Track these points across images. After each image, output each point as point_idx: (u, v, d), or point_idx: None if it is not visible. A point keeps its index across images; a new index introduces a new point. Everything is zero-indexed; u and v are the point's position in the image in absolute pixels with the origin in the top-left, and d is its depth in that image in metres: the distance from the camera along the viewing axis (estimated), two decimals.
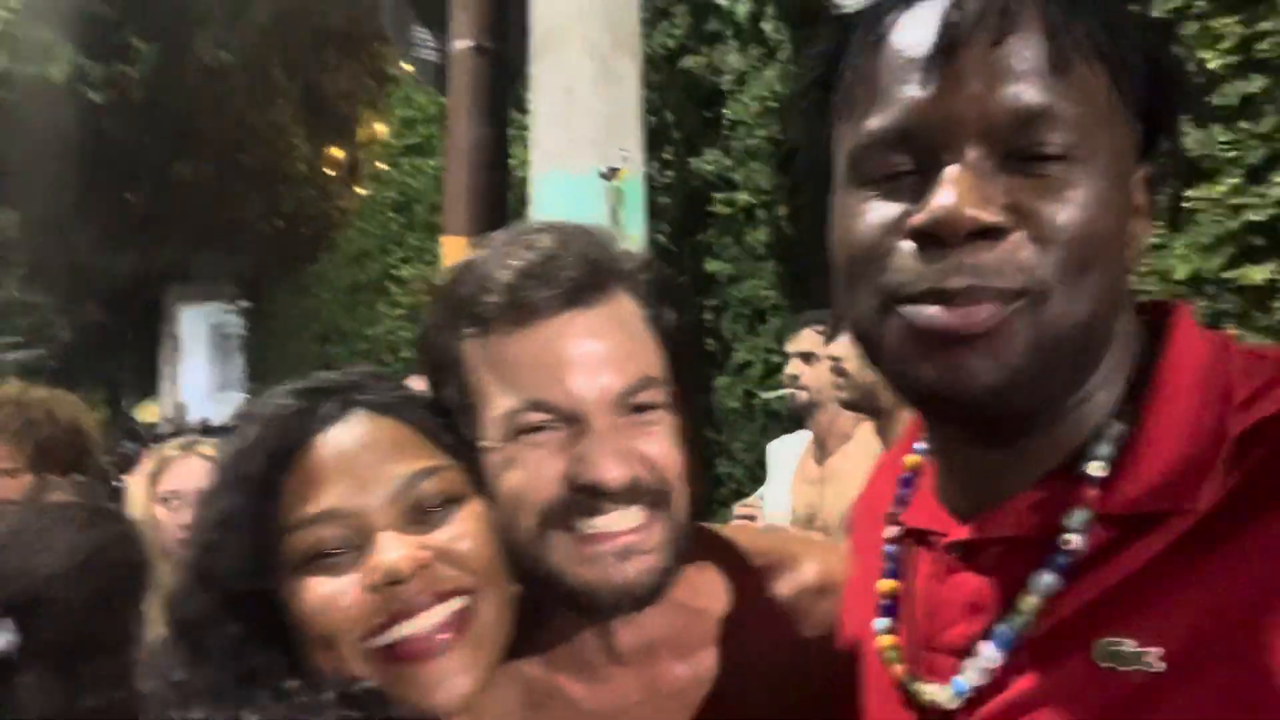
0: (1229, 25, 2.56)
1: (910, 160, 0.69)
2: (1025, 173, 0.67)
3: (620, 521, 0.89)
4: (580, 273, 0.91)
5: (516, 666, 0.98)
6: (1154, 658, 0.64)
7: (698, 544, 1.01)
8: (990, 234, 0.66)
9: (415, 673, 0.85)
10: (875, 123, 0.70)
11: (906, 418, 1.99)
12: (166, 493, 2.50)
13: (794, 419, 3.58)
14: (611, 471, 0.88)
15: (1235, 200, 2.59)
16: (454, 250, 4.20)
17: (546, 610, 0.96)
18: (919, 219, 0.67)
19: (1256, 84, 2.53)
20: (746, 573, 1.04)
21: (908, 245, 0.68)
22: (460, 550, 0.87)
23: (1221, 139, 2.58)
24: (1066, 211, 0.66)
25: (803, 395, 3.24)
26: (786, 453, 3.49)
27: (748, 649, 1.00)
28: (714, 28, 4.98)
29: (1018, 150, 0.66)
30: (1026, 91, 0.65)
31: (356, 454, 0.88)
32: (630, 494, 0.89)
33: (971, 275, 0.66)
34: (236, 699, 0.83)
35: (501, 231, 1.00)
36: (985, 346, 0.66)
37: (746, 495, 3.91)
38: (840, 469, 3.21)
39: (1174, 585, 0.65)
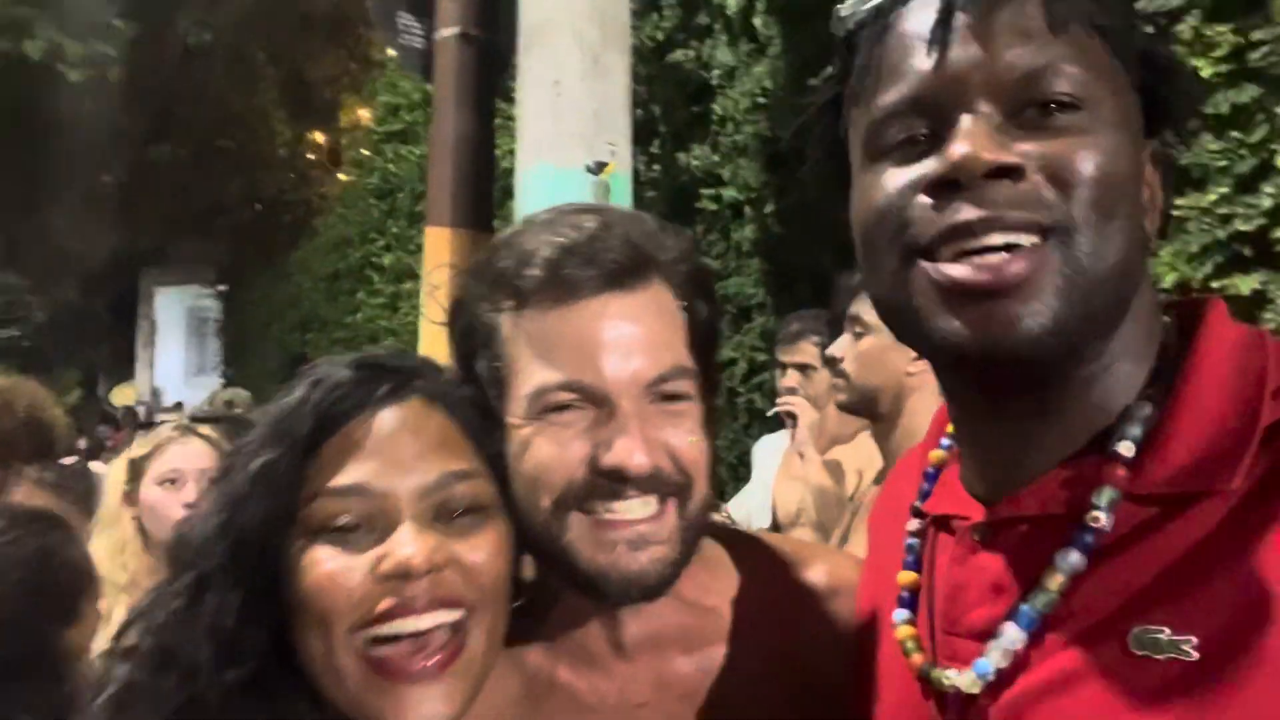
0: (1222, 34, 2.56)
1: (924, 125, 0.71)
2: (1038, 125, 0.68)
3: (637, 509, 0.89)
4: (622, 256, 0.91)
5: (519, 654, 0.98)
6: (1190, 646, 0.63)
7: (711, 542, 1.02)
8: (1008, 175, 0.67)
9: (398, 691, 0.83)
10: (887, 98, 0.73)
11: (905, 423, 2.02)
12: (170, 473, 2.44)
13: (779, 419, 3.56)
14: (636, 458, 0.87)
15: (1224, 210, 2.59)
16: (437, 242, 4.15)
17: (554, 595, 0.96)
18: (935, 168, 0.69)
19: (1248, 93, 2.52)
20: (758, 572, 1.04)
21: (925, 199, 0.70)
22: (474, 563, 0.86)
23: (1211, 148, 2.57)
24: (1083, 154, 0.67)
25: (800, 407, 3.21)
26: (772, 451, 3.48)
27: (757, 648, 0.99)
28: (704, 21, 4.94)
29: (1027, 104, 0.69)
30: (1029, 49, 0.68)
31: (401, 437, 0.87)
32: (651, 482, 0.89)
33: (989, 207, 0.67)
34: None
35: (546, 210, 1.00)
36: (1018, 294, 0.67)
37: (729, 494, 3.90)
38: (830, 464, 3.21)
39: (1207, 573, 0.65)
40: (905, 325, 0.75)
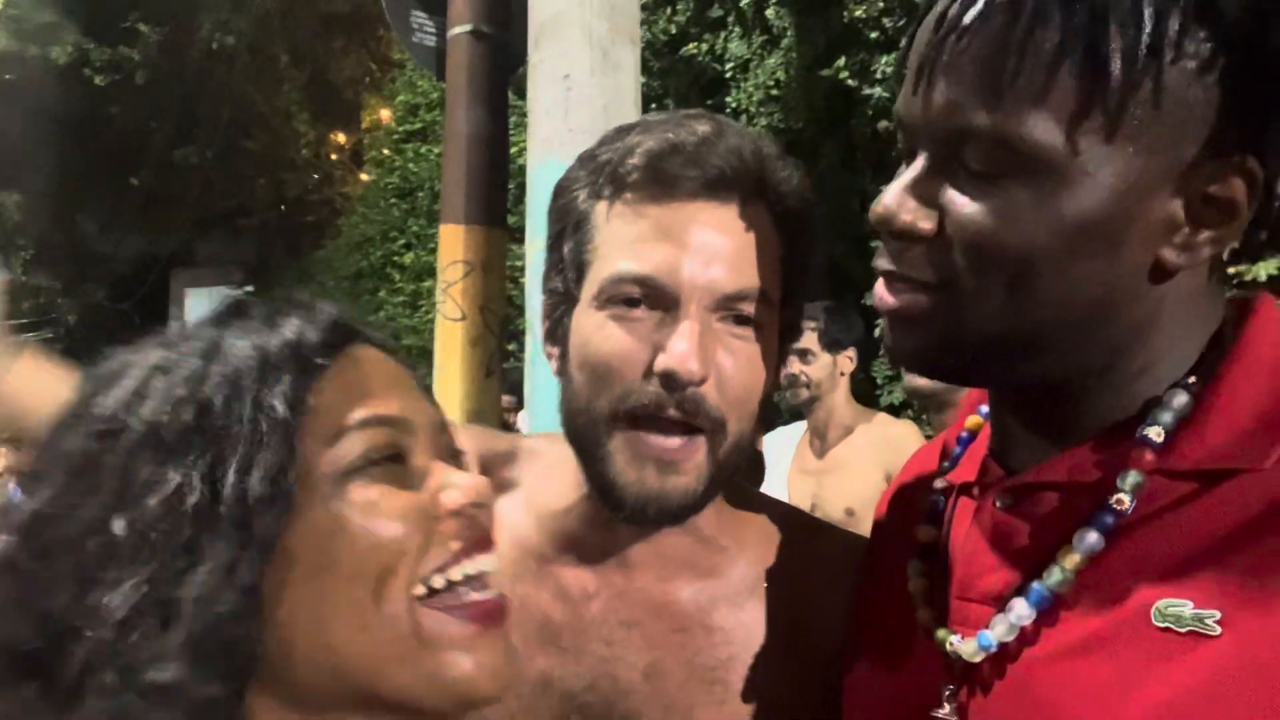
0: None
1: (907, 145, 0.74)
2: (975, 176, 0.68)
3: (673, 441, 0.90)
4: (727, 165, 0.90)
5: (525, 529, 1.00)
6: (1214, 620, 0.63)
7: (737, 496, 1.02)
8: (912, 236, 0.71)
9: (482, 643, 0.71)
10: (896, 104, 0.76)
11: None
12: None
13: (794, 411, 3.56)
14: (690, 364, 0.86)
15: None
16: (451, 239, 4.16)
17: (585, 485, 0.96)
18: (871, 210, 0.75)
19: None
20: (777, 528, 1.04)
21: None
22: (489, 504, 0.76)
23: None
24: (990, 222, 0.67)
25: (803, 393, 3.24)
26: (783, 444, 3.47)
27: (762, 596, 0.99)
28: (716, 15, 4.93)
29: (956, 159, 0.69)
30: (974, 110, 0.66)
31: (397, 372, 0.77)
32: (690, 404, 0.88)
33: (893, 263, 0.73)
34: None
35: (662, 112, 1.00)
36: (900, 324, 0.75)
37: None
38: (842, 459, 3.21)
39: (1234, 550, 0.64)
40: None
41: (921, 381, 2.14)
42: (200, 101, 14.21)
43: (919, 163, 0.71)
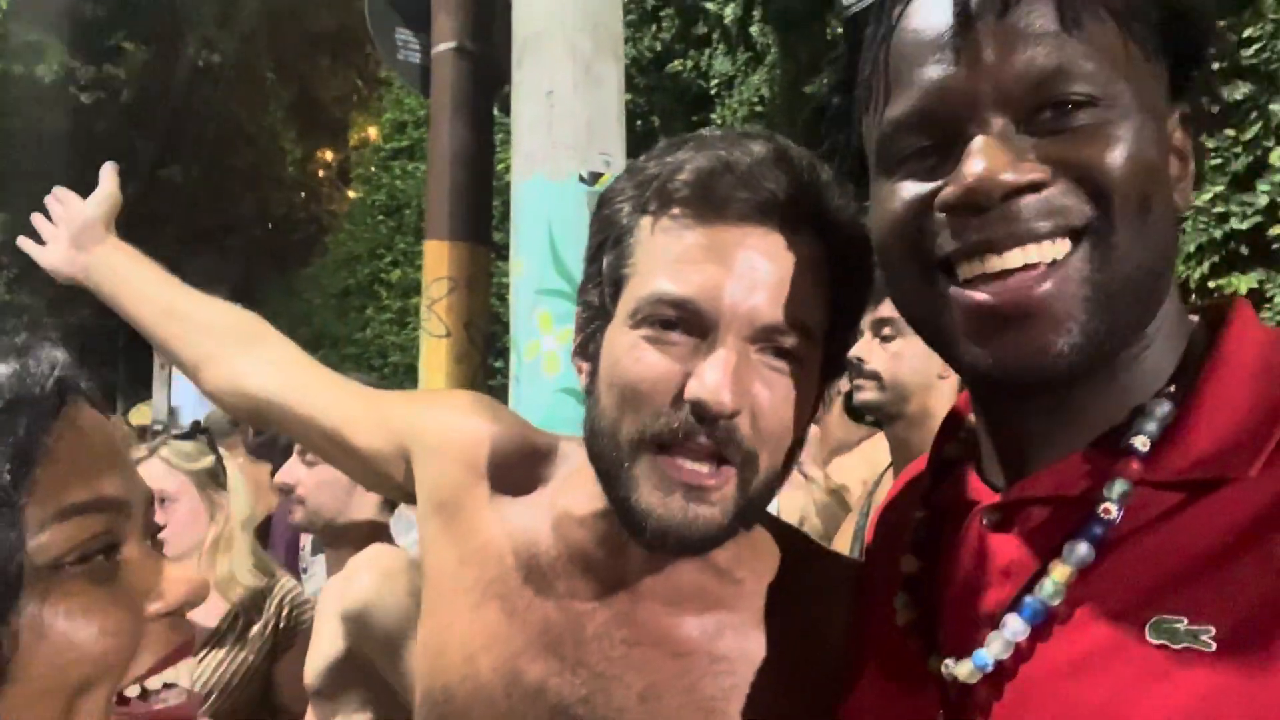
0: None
1: (936, 138, 0.70)
2: (1054, 129, 0.67)
3: (702, 465, 0.85)
4: (781, 191, 0.85)
5: (542, 526, 0.98)
6: (1208, 636, 0.62)
7: (764, 527, 0.99)
8: (1027, 191, 0.66)
9: None
10: (896, 109, 0.71)
11: (930, 424, 2.03)
12: None
13: None
14: (723, 395, 0.82)
15: (1220, 208, 2.56)
16: (435, 255, 4.16)
17: (599, 500, 0.93)
18: (950, 191, 0.68)
19: (1241, 90, 2.50)
20: (795, 561, 1.01)
21: (941, 216, 0.69)
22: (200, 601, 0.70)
23: (1205, 145, 2.54)
24: (1106, 152, 0.66)
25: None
26: None
27: (772, 631, 0.96)
28: (701, 31, 4.95)
29: (1041, 109, 0.67)
30: (1039, 54, 0.66)
31: (115, 439, 0.68)
32: (723, 434, 0.84)
33: (1011, 223, 0.66)
34: None
35: (721, 128, 0.96)
36: (1045, 317, 0.66)
37: None
38: (841, 472, 3.19)
39: (1225, 563, 0.64)
40: (933, 341, 0.75)
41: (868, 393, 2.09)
42: (186, 119, 14.19)
43: (981, 137, 0.67)
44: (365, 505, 2.11)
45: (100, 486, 0.64)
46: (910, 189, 0.71)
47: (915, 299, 0.73)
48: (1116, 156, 0.65)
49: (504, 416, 1.10)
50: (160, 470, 2.36)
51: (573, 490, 0.99)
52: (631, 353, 0.87)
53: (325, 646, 1.91)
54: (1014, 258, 0.66)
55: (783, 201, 0.86)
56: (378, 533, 2.11)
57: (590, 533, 0.97)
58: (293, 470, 2.12)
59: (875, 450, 3.22)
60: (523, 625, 0.97)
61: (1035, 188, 0.66)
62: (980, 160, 0.66)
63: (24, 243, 1.49)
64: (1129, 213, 0.66)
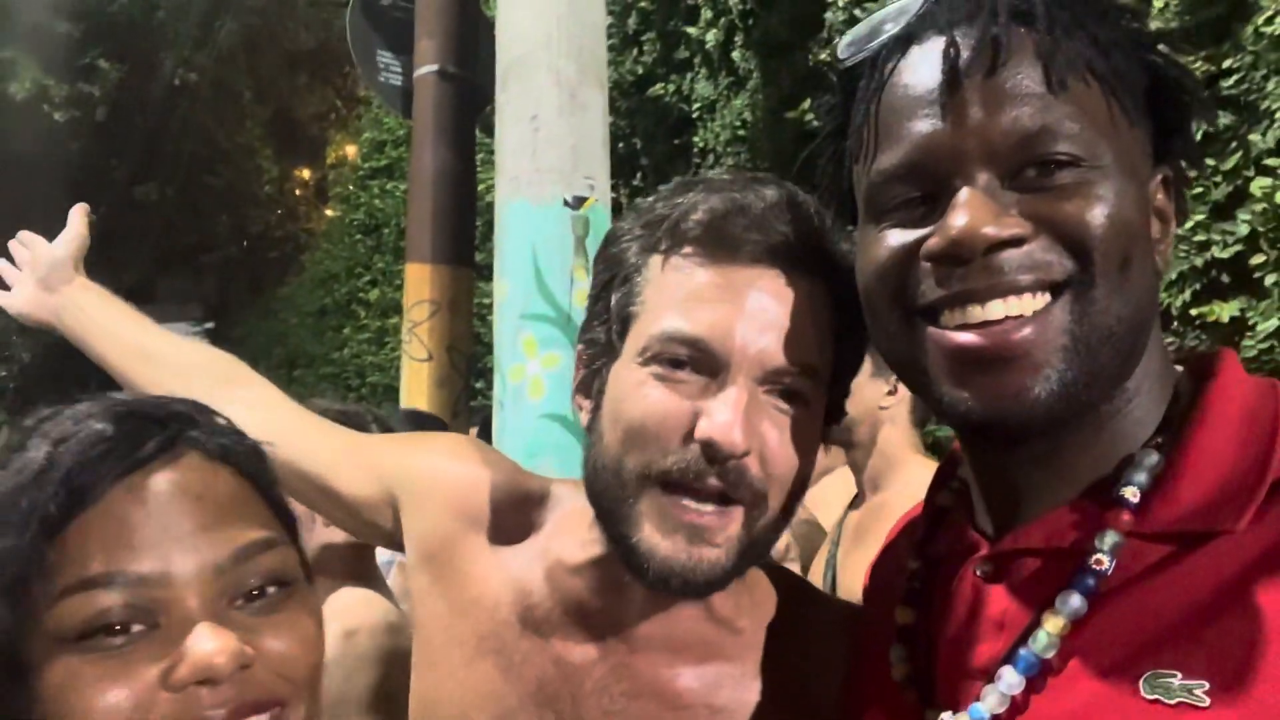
0: (1194, 63, 2.57)
1: (923, 190, 0.72)
2: (1038, 187, 0.68)
3: (709, 510, 0.85)
4: (792, 235, 0.86)
5: (535, 575, 0.97)
6: (1202, 691, 0.63)
7: (765, 573, 0.99)
8: (1009, 245, 0.68)
9: None
10: (885, 161, 0.73)
11: (878, 451, 2.11)
12: None
13: None
14: (734, 433, 0.81)
15: (1201, 236, 2.58)
16: (417, 278, 4.13)
17: (599, 546, 0.93)
18: (934, 242, 0.69)
19: (1221, 120, 2.53)
20: (793, 607, 1.00)
21: (926, 265, 0.71)
22: (287, 653, 0.70)
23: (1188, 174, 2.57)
24: (1088, 209, 0.67)
25: None
26: None
27: (772, 681, 0.95)
28: (683, 56, 4.97)
29: (1025, 166, 0.68)
30: (1024, 113, 0.67)
31: (179, 506, 0.68)
32: (732, 476, 0.83)
33: (993, 275, 0.68)
34: None
35: (729, 172, 0.97)
36: (1025, 361, 0.68)
37: None
38: (815, 501, 3.18)
39: (1216, 617, 0.64)
40: (914, 384, 0.76)
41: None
42: (162, 138, 14.09)
43: (966, 192, 0.69)
44: (334, 530, 1.92)
45: (124, 560, 0.65)
46: (897, 237, 0.73)
47: (898, 343, 0.74)
48: (1097, 214, 0.67)
49: (493, 460, 1.08)
50: None
51: (565, 536, 0.98)
52: (639, 389, 0.86)
53: None
54: (995, 309, 0.68)
55: (793, 245, 0.86)
56: (361, 555, 1.97)
57: (585, 581, 0.95)
58: None
59: (846, 477, 3.23)
60: (518, 681, 0.95)
61: (1017, 242, 0.67)
62: (965, 214, 0.67)
63: None
64: (1109, 269, 0.67)
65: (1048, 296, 0.68)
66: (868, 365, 2.23)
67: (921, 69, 0.71)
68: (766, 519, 0.87)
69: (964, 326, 0.69)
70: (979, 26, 0.70)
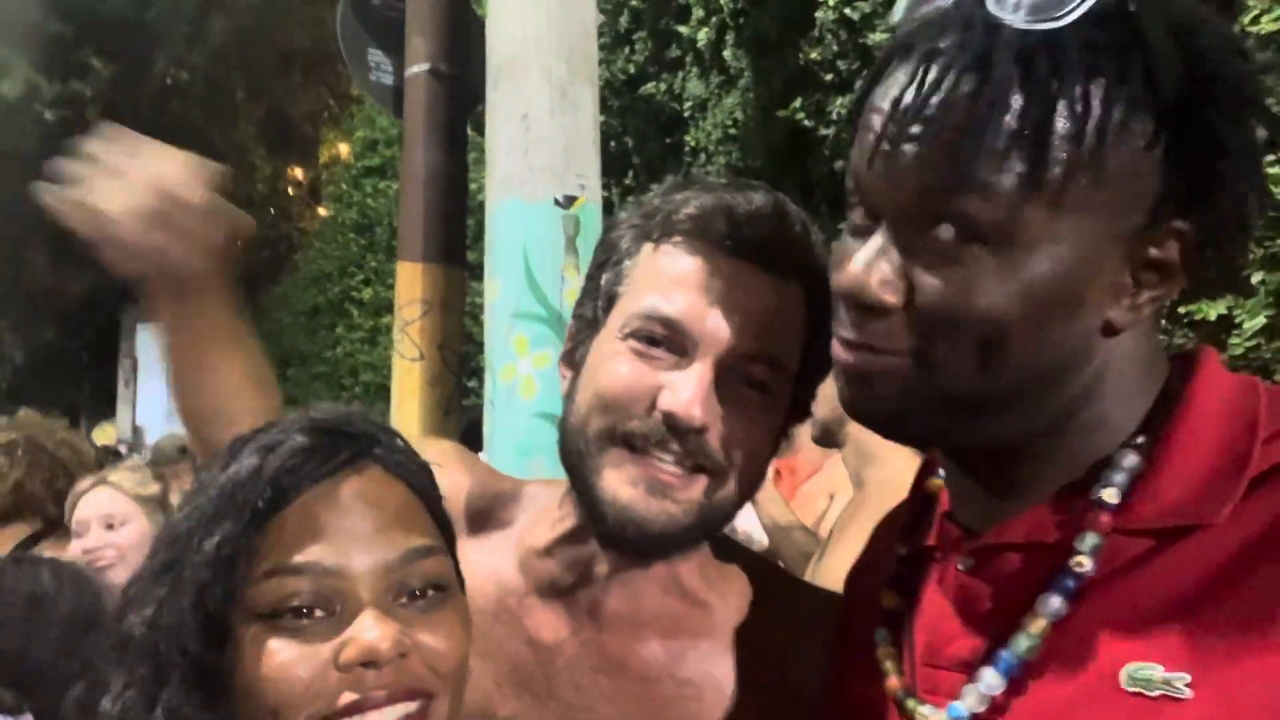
0: None
1: (866, 209, 0.74)
2: (939, 250, 0.68)
3: (669, 467, 0.90)
4: (774, 238, 0.93)
5: (506, 567, 1.01)
6: (1183, 684, 0.63)
7: (721, 549, 1.02)
8: (878, 310, 0.71)
9: None
10: (850, 163, 0.75)
11: (852, 440, 2.19)
12: (77, 525, 2.43)
13: None
14: (693, 409, 0.87)
15: None
16: (409, 277, 4.13)
17: (567, 521, 0.98)
18: (835, 280, 0.75)
19: None
20: (764, 587, 1.03)
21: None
22: (438, 649, 0.80)
23: None
24: (958, 294, 0.68)
25: None
26: None
27: (739, 656, 0.98)
28: (674, 54, 4.97)
29: (935, 223, 0.68)
30: (937, 177, 0.66)
31: (360, 510, 0.80)
32: (691, 446, 0.89)
33: (856, 333, 0.73)
34: None
35: (724, 179, 1.04)
36: (861, 384, 0.74)
37: None
38: (805, 495, 3.21)
39: (1198, 610, 0.65)
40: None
41: (824, 413, 2.27)
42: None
43: (880, 235, 0.71)
44: None
45: (310, 553, 0.77)
46: (846, 243, 0.76)
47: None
48: (965, 304, 0.68)
49: (472, 465, 1.12)
50: (107, 495, 2.46)
51: (536, 526, 1.02)
52: (614, 359, 0.92)
53: None
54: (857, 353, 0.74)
55: (773, 247, 0.93)
56: None
57: (554, 561, 0.99)
58: None
59: (830, 477, 3.25)
60: (494, 666, 0.97)
61: (885, 309, 0.71)
62: (856, 264, 0.71)
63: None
64: (962, 355, 0.69)
65: (897, 360, 0.72)
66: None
67: (889, 87, 0.70)
68: (725, 492, 0.92)
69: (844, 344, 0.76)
70: (958, 65, 0.66)
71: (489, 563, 1.02)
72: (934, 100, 0.66)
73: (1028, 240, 0.66)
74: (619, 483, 0.90)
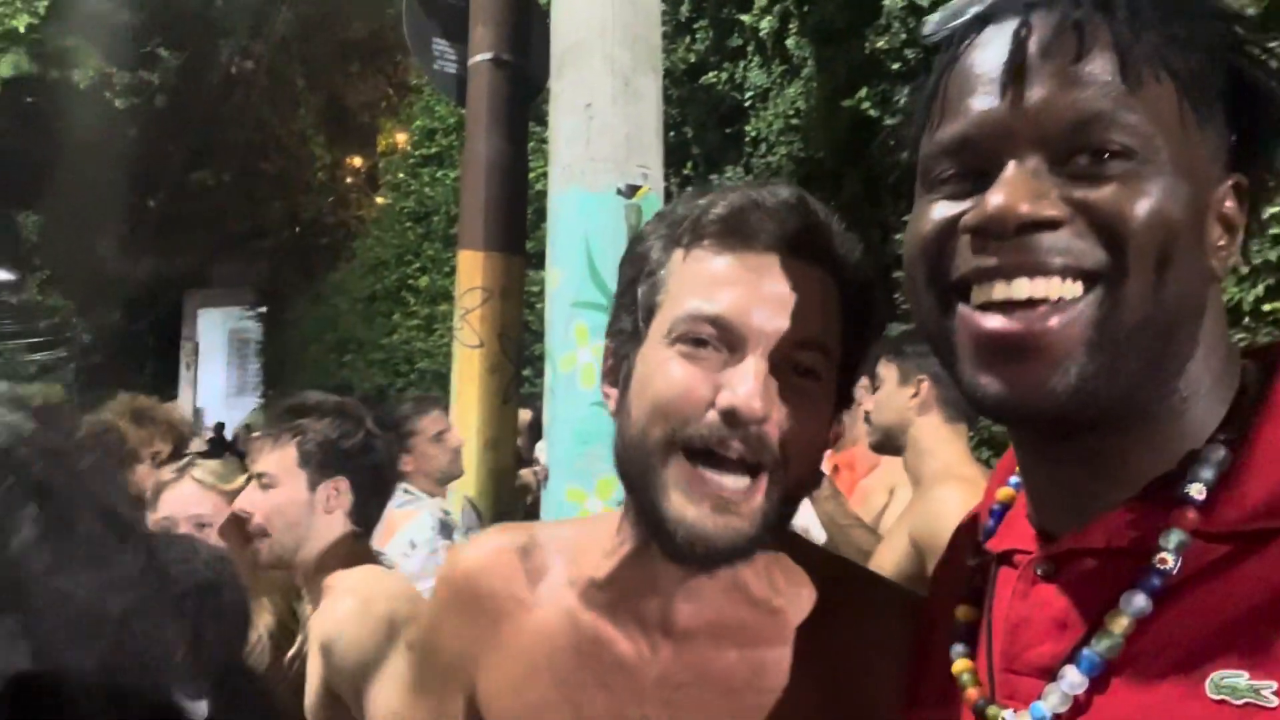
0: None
1: (974, 166, 0.72)
2: (1086, 175, 0.68)
3: (729, 484, 0.90)
4: (802, 228, 0.94)
5: (576, 606, 1.02)
6: (1270, 691, 0.62)
7: (797, 552, 1.02)
8: (1044, 227, 0.67)
9: None
10: (942, 133, 0.73)
11: (913, 444, 2.31)
12: (163, 521, 2.30)
13: None
14: (754, 401, 0.88)
15: (1276, 229, 2.50)
16: (469, 265, 4.16)
17: (626, 557, 0.99)
18: (970, 215, 0.70)
19: None
20: (833, 588, 1.02)
21: (965, 239, 0.71)
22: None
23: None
24: (1129, 203, 0.66)
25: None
26: None
27: (814, 660, 0.98)
28: (736, 43, 4.93)
29: (1077, 153, 0.68)
30: (1083, 98, 0.67)
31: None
32: (751, 446, 0.89)
33: (1023, 254, 0.68)
34: None
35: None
36: (1048, 353, 0.67)
37: None
38: (865, 491, 3.17)
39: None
40: (946, 363, 0.76)
41: (886, 418, 2.41)
42: (218, 125, 14.33)
43: (1027, 164, 0.69)
44: (333, 523, 1.95)
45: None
46: (942, 209, 0.73)
47: (932, 319, 0.75)
48: (1139, 208, 0.66)
49: (456, 568, 1.12)
50: (192, 492, 2.32)
51: (585, 559, 1.04)
52: (664, 366, 0.92)
53: (311, 678, 1.86)
54: (1021, 287, 0.68)
55: (802, 237, 0.94)
56: (363, 551, 1.99)
57: (619, 586, 1.00)
58: (249, 496, 1.94)
59: (889, 472, 3.22)
60: (573, 699, 1.00)
61: (1052, 225, 0.67)
62: (1004, 190, 0.68)
63: None
64: (1143, 265, 0.66)
65: (1079, 287, 0.67)
66: (894, 375, 2.35)
67: (991, 48, 0.71)
68: (787, 487, 0.92)
69: (989, 306, 0.69)
70: (1057, 11, 0.69)
71: (547, 611, 1.04)
72: (1073, 32, 0.68)
73: (1166, 160, 0.67)
74: (684, 502, 0.90)
